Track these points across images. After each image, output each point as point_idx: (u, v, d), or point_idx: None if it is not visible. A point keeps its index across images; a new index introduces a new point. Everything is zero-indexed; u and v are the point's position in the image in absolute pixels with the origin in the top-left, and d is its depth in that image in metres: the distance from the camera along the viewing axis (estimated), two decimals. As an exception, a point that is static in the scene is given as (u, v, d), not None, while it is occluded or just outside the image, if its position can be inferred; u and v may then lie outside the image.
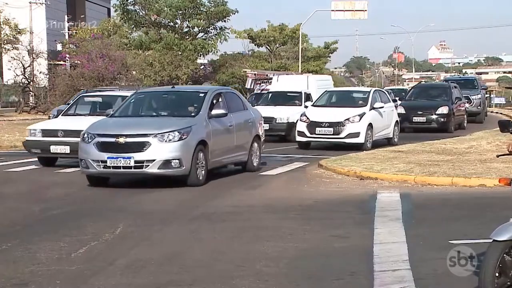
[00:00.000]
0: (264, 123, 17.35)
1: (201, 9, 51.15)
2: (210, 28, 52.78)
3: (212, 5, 51.26)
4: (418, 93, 30.73)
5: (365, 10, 53.80)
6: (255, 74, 39.73)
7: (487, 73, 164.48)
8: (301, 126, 20.80)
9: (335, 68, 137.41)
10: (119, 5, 51.02)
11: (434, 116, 27.39)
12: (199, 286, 6.56)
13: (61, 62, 51.74)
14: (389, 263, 7.20)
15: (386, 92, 25.63)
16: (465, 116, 30.27)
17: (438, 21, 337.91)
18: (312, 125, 20.44)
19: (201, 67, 59.30)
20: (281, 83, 29.68)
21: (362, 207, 10.81)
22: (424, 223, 9.52)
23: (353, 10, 53.32)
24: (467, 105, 33.23)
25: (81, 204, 11.62)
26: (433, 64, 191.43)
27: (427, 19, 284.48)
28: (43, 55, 46.37)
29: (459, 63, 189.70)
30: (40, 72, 45.62)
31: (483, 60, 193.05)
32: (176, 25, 52.22)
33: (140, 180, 14.35)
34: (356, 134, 20.09)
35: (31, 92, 46.72)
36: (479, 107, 34.64)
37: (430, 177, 13.18)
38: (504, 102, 71.11)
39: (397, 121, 22.61)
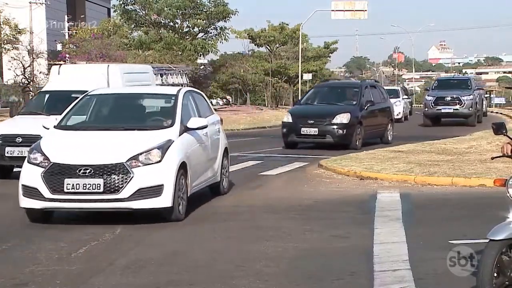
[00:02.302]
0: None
1: (201, 9, 51.14)
2: (210, 28, 52.78)
3: (212, 5, 51.25)
4: (317, 96, 22.89)
5: (365, 10, 53.79)
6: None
7: (487, 73, 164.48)
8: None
9: (335, 68, 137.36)
10: (119, 5, 51.02)
11: (329, 127, 20.37)
12: (199, 286, 6.56)
13: (61, 62, 51.74)
14: (389, 263, 7.20)
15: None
16: (389, 126, 22.99)
17: (438, 21, 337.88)
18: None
19: (201, 67, 59.31)
20: (66, 76, 17.91)
21: (362, 207, 10.81)
22: (424, 223, 9.52)
23: (353, 10, 53.30)
24: (457, 106, 31.90)
25: (81, 204, 11.59)
26: (433, 64, 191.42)
27: (427, 19, 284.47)
28: (43, 55, 46.32)
29: (459, 63, 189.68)
30: (40, 72, 45.56)
31: (483, 60, 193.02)
32: (176, 25, 52.23)
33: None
34: (153, 191, 9.40)
35: (31, 92, 46.71)
36: (470, 109, 32.16)
37: (430, 177, 13.18)
38: (504, 102, 71.20)
39: (226, 148, 12.39)
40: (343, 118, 20.39)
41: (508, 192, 5.47)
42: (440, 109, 32.29)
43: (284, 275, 6.88)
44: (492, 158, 6.25)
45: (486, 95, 57.67)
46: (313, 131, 20.37)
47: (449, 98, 32.26)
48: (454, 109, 32.14)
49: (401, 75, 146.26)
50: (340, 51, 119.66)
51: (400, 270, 6.93)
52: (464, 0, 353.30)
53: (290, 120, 20.91)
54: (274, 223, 9.57)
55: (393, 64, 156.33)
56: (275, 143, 22.95)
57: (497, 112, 51.72)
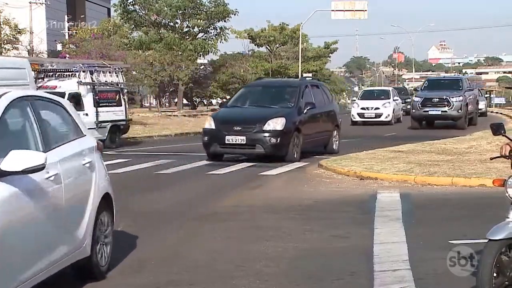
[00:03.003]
0: None
1: (201, 9, 51.15)
2: (210, 28, 52.79)
3: (212, 5, 51.26)
4: (247, 97, 19.10)
5: (365, 10, 53.84)
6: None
7: (487, 73, 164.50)
8: None
9: (335, 68, 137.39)
10: (119, 5, 51.03)
11: (260, 135, 16.81)
12: (199, 286, 6.56)
13: (61, 62, 51.67)
14: (389, 263, 7.20)
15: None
16: (334, 133, 19.46)
17: (438, 21, 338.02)
18: None
19: (201, 67, 59.33)
20: None
21: (362, 207, 10.81)
22: (424, 223, 9.52)
23: (353, 10, 53.35)
24: (445, 108, 30.14)
25: (81, 204, 11.59)
26: (433, 64, 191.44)
27: (427, 19, 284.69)
28: (43, 55, 46.32)
29: (459, 63, 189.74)
30: (40, 72, 45.51)
31: (483, 60, 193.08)
32: (176, 25, 52.24)
33: (140, 180, 14.39)
34: None
35: (31, 92, 46.67)
36: (459, 111, 30.08)
37: (430, 177, 13.18)
38: (504, 102, 71.25)
39: (106, 195, 7.63)
40: (276, 123, 16.91)
41: (507, 192, 5.47)
42: (427, 111, 30.59)
43: (284, 275, 6.88)
44: (491, 159, 6.25)
45: (486, 95, 57.64)
46: (241, 139, 16.83)
47: (436, 99, 30.55)
48: (442, 111, 30.42)
49: (401, 75, 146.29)
50: (340, 51, 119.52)
51: (400, 270, 6.93)
52: (464, 0, 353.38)
53: (213, 127, 17.31)
54: (274, 223, 9.57)
55: (393, 64, 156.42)
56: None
57: (497, 112, 51.73)
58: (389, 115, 35.63)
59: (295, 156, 17.09)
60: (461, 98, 30.36)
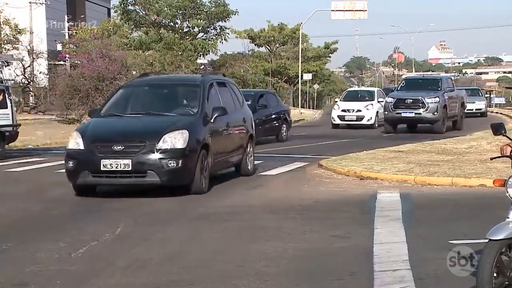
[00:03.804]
0: None
1: (201, 9, 51.16)
2: (210, 28, 52.80)
3: (212, 5, 51.27)
4: (129, 101, 13.66)
5: (365, 10, 53.83)
6: None
7: (487, 73, 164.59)
8: None
9: (335, 68, 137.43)
10: (119, 5, 51.03)
11: (152, 157, 11.66)
12: (199, 286, 6.56)
13: (61, 62, 51.74)
14: (389, 263, 7.20)
15: None
16: (248, 148, 14.67)
17: (438, 21, 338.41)
18: None
19: (201, 67, 59.28)
20: None
21: (362, 207, 10.81)
22: (424, 223, 9.52)
23: (353, 10, 53.34)
24: (420, 110, 27.57)
25: (81, 204, 11.60)
26: (433, 64, 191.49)
27: (427, 19, 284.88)
28: (43, 55, 46.33)
29: (459, 63, 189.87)
30: (40, 72, 45.58)
31: (483, 60, 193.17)
32: (176, 25, 52.24)
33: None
34: None
35: (31, 92, 46.73)
36: (435, 113, 27.36)
37: (430, 177, 13.18)
38: (504, 102, 71.31)
39: None
40: (176, 139, 11.83)
41: (507, 192, 5.47)
42: (400, 113, 28.03)
43: (284, 275, 6.88)
44: (491, 159, 6.25)
45: (486, 95, 57.56)
46: (124, 164, 11.58)
47: (410, 101, 27.95)
48: (415, 113, 27.75)
49: (401, 75, 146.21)
50: (340, 51, 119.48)
51: (400, 270, 6.93)
52: (464, 0, 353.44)
53: (81, 146, 12.00)
54: (274, 223, 9.57)
55: (393, 64, 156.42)
56: (275, 143, 22.99)
57: (497, 112, 51.75)
58: (371, 118, 32.84)
59: (203, 185, 12.18)
60: (437, 99, 27.70)
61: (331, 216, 10.07)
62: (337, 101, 39.14)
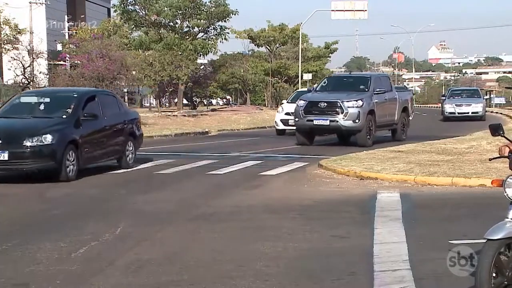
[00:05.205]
0: None
1: (201, 9, 51.14)
2: (210, 28, 52.78)
3: (212, 5, 51.26)
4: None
5: (365, 10, 53.89)
6: None
7: (487, 73, 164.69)
8: None
9: (335, 68, 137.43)
10: (119, 5, 51.01)
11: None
12: (199, 286, 6.56)
13: (61, 62, 51.76)
14: (389, 263, 7.20)
15: None
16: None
17: (438, 21, 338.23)
18: None
19: (201, 67, 59.31)
20: None
21: (362, 207, 10.81)
22: (424, 223, 9.52)
23: (353, 10, 53.39)
24: (337, 117, 21.51)
25: (81, 204, 11.61)
26: (433, 64, 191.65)
27: (427, 19, 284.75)
28: (43, 55, 46.30)
29: (459, 63, 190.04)
30: (40, 72, 45.55)
31: (483, 60, 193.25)
32: (176, 25, 52.21)
33: (140, 181, 14.38)
34: None
35: (31, 92, 46.71)
36: (356, 121, 21.48)
37: (430, 177, 13.18)
38: (504, 102, 71.33)
39: None
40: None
41: (506, 192, 5.47)
42: (312, 120, 21.80)
43: (284, 275, 6.88)
44: (490, 160, 6.25)
45: (485, 97, 57.36)
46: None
47: (324, 104, 21.83)
48: (331, 121, 21.62)
49: (401, 75, 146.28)
50: (340, 51, 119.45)
51: (400, 270, 6.94)
52: (464, 0, 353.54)
53: None
54: (274, 223, 9.57)
55: (393, 64, 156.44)
56: (275, 143, 22.96)
57: (497, 112, 51.77)
58: None
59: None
60: (360, 102, 21.73)
61: (331, 216, 10.07)
62: (283, 103, 32.60)
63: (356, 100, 21.87)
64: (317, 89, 24.11)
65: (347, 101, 21.79)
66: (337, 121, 21.64)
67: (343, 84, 24.05)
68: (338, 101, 21.81)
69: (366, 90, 22.70)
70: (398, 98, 24.41)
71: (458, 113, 39.56)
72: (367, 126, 21.88)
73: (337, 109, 21.70)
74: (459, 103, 40.19)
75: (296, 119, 22.59)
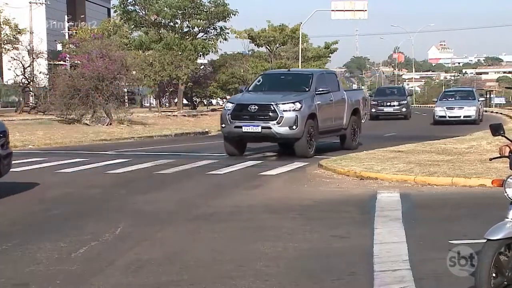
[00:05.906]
0: None
1: (201, 9, 51.16)
2: (210, 28, 52.80)
3: (212, 5, 51.27)
4: None
5: (365, 10, 53.94)
6: None
7: (487, 73, 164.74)
8: None
9: (336, 68, 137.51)
10: (119, 5, 51.04)
11: None
12: (199, 286, 6.56)
13: (61, 62, 51.79)
14: (389, 263, 7.20)
15: None
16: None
17: (438, 21, 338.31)
18: None
19: (201, 67, 59.31)
20: None
21: (362, 207, 10.81)
22: (424, 223, 9.52)
23: (353, 10, 53.43)
24: (270, 123, 17.83)
25: (81, 204, 11.61)
26: (433, 64, 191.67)
27: (427, 19, 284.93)
28: (43, 55, 46.36)
29: (459, 63, 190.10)
30: (40, 72, 45.61)
31: (483, 60, 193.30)
32: (176, 25, 52.23)
33: (140, 181, 14.38)
34: None
35: (31, 92, 46.76)
36: (293, 128, 18.04)
37: (430, 177, 13.18)
38: (504, 102, 71.39)
39: None
40: None
41: (506, 192, 5.47)
42: (241, 127, 18.28)
43: (284, 275, 6.88)
44: (490, 159, 6.25)
45: (482, 98, 56.98)
46: None
47: (255, 107, 18.31)
48: (262, 127, 18.08)
49: (401, 75, 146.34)
50: (340, 51, 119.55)
51: (400, 270, 6.93)
52: (464, 0, 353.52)
53: None
54: (274, 223, 9.57)
55: (393, 64, 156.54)
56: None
57: (497, 112, 51.78)
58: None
59: None
60: (298, 105, 18.25)
61: (331, 216, 10.07)
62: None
63: (294, 103, 18.28)
64: (249, 88, 20.24)
65: (282, 104, 18.20)
66: (270, 128, 18.03)
67: (280, 82, 20.38)
68: (272, 103, 18.18)
69: (307, 90, 19.18)
70: (347, 98, 20.86)
71: (449, 117, 36.29)
72: (308, 133, 18.39)
73: (270, 113, 18.12)
74: (450, 106, 36.85)
75: (223, 125, 18.79)
